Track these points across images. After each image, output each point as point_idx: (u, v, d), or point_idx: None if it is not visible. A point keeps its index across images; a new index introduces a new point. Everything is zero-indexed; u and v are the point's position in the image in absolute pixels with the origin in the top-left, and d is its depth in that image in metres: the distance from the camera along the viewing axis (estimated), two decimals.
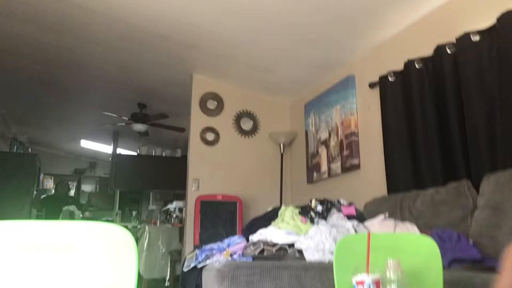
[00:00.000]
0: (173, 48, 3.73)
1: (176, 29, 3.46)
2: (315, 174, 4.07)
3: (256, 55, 3.82)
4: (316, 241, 1.99)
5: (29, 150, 7.20)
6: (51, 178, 8.30)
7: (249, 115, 4.58)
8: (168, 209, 5.98)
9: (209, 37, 3.58)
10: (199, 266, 2.11)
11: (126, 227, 1.05)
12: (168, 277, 4.85)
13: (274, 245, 2.06)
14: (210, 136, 4.38)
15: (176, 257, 4.71)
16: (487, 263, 1.78)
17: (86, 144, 7.81)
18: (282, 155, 4.44)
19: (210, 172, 4.32)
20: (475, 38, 2.42)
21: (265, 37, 3.50)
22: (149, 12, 3.21)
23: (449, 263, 1.72)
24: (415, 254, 1.10)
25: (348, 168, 3.55)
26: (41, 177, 7.39)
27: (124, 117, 5.52)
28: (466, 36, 2.45)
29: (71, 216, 6.28)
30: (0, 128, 6.08)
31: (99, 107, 5.51)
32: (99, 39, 3.76)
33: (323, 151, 3.97)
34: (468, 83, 2.41)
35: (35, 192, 6.24)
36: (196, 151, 4.32)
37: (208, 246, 2.26)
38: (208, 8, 3.11)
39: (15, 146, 6.68)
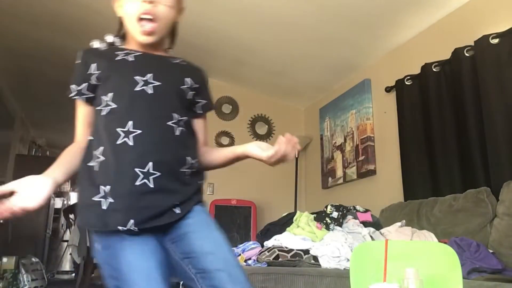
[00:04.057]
0: (188, 52, 3.73)
1: (192, 34, 3.48)
2: (330, 179, 4.04)
3: (271, 59, 3.81)
4: (331, 247, 1.97)
5: (47, 153, 7.32)
6: (67, 181, 8.41)
7: (264, 119, 4.57)
8: None
9: (224, 42, 3.59)
10: None
11: None
12: (182, 282, 4.86)
13: (289, 251, 2.05)
14: (225, 140, 4.39)
15: None
16: (508, 274, 1.73)
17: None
18: (297, 159, 4.42)
19: (224, 176, 4.31)
20: (494, 40, 2.37)
21: (280, 41, 3.49)
22: None
23: (468, 273, 1.68)
24: (434, 263, 1.07)
25: (364, 174, 3.51)
26: None
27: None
28: (484, 39, 2.40)
29: None
30: (19, 132, 6.19)
31: None
32: None
33: (338, 156, 3.94)
34: (486, 86, 2.36)
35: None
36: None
37: None
38: (224, 13, 3.12)
39: (34, 149, 6.79)
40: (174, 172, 0.98)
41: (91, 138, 1.03)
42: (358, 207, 2.50)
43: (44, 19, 3.48)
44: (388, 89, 3.31)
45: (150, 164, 0.94)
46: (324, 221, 2.25)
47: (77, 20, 3.44)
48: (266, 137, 4.53)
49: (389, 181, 3.24)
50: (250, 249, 2.26)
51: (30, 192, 0.93)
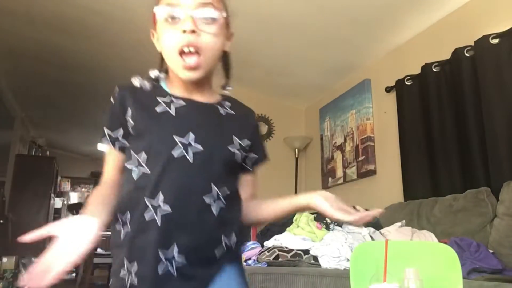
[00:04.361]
0: None
1: None
2: (330, 179, 4.04)
3: (271, 59, 3.81)
4: (331, 248, 1.97)
5: (47, 153, 7.32)
6: (68, 181, 8.41)
7: (264, 119, 4.57)
8: None
9: None
10: None
11: None
12: None
13: (289, 251, 2.05)
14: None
15: None
16: (508, 274, 1.73)
17: (103, 147, 7.89)
18: (297, 159, 4.42)
19: None
20: (494, 41, 2.37)
21: (280, 41, 3.49)
22: None
23: (468, 273, 1.68)
24: (434, 263, 1.07)
25: (364, 174, 3.51)
26: (58, 180, 7.50)
27: None
28: (484, 39, 2.40)
29: None
30: (19, 132, 6.19)
31: None
32: (116, 44, 3.81)
33: (338, 156, 3.94)
34: (487, 87, 2.36)
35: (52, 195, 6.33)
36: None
37: None
38: None
39: (34, 149, 6.80)
40: (203, 256, 0.87)
41: (121, 195, 0.90)
42: (358, 207, 2.50)
43: (44, 19, 3.48)
44: (388, 89, 3.31)
45: (176, 249, 0.83)
46: (324, 221, 2.25)
47: (77, 20, 3.44)
48: (266, 137, 4.53)
49: (389, 181, 3.24)
50: (250, 249, 2.26)
51: (73, 237, 0.75)
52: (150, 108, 0.91)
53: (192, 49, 0.89)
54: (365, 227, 2.22)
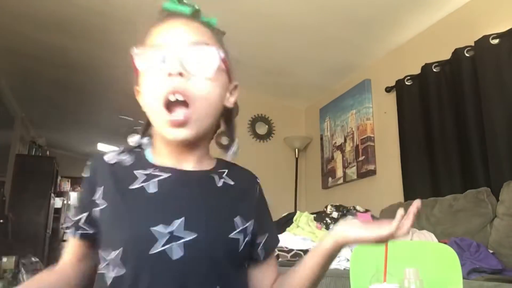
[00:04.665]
0: None
1: None
2: (330, 179, 4.03)
3: (271, 58, 3.81)
4: None
5: (47, 153, 7.32)
6: (68, 181, 8.41)
7: (264, 119, 4.57)
8: None
9: (224, 42, 3.59)
10: None
11: None
12: None
13: (289, 251, 2.05)
14: (225, 140, 4.38)
15: None
16: (508, 274, 1.73)
17: (103, 147, 7.90)
18: (297, 159, 4.41)
19: None
20: (494, 41, 2.37)
21: (280, 41, 3.49)
22: None
23: (468, 273, 1.68)
24: (434, 263, 1.07)
25: (364, 174, 3.51)
26: (58, 180, 7.50)
27: (140, 121, 5.56)
28: (484, 39, 2.40)
29: None
30: (19, 131, 6.19)
31: (116, 111, 5.57)
32: (117, 44, 3.81)
33: (338, 156, 3.94)
34: (487, 87, 2.36)
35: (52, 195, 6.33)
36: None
37: None
38: (224, 13, 3.12)
39: (34, 149, 6.79)
40: None
41: None
42: (358, 207, 2.51)
43: (44, 19, 3.48)
44: (388, 89, 3.31)
45: None
46: (324, 221, 2.25)
47: (77, 20, 3.44)
48: (266, 137, 4.53)
49: (389, 181, 3.24)
50: None
51: None
52: (124, 184, 0.71)
53: (179, 97, 0.68)
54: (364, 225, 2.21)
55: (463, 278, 1.08)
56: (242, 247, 0.71)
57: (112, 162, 0.75)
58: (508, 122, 2.26)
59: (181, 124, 0.69)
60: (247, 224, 0.73)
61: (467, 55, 2.54)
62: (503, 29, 2.35)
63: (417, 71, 2.95)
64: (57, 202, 7.43)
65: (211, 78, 0.72)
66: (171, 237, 0.64)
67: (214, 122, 0.77)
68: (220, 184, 0.76)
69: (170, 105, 0.69)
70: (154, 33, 0.75)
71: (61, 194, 7.94)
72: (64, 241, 7.33)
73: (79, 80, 4.85)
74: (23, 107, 5.89)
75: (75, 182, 8.64)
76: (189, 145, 0.74)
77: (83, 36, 3.70)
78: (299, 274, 0.74)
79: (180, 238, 0.65)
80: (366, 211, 2.49)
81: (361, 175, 3.55)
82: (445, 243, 1.79)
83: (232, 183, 0.78)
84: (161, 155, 0.76)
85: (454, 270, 1.06)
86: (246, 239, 0.72)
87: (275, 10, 3.04)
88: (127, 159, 0.76)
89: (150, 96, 0.72)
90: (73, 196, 8.43)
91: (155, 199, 0.69)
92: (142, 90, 0.74)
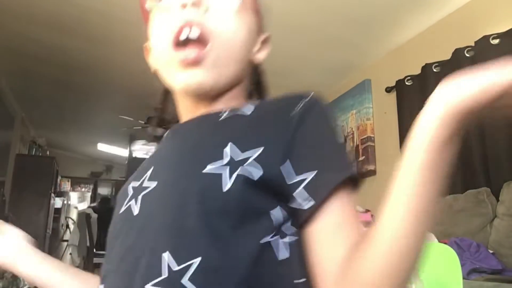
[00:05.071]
0: None
1: None
2: None
3: (270, 59, 3.79)
4: None
5: (47, 153, 7.32)
6: (68, 181, 8.41)
7: None
8: None
9: None
10: None
11: None
12: None
13: None
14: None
15: None
16: (508, 274, 1.73)
17: (103, 147, 7.90)
18: None
19: None
20: (495, 41, 2.37)
21: (278, 41, 3.49)
22: None
23: (468, 273, 1.68)
24: (434, 263, 1.07)
25: (364, 174, 3.51)
26: (58, 180, 7.50)
27: (140, 121, 5.57)
28: (485, 39, 2.40)
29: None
30: (19, 132, 6.19)
31: (116, 111, 5.57)
32: (117, 44, 3.81)
33: None
34: None
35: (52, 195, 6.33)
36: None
37: None
38: None
39: (34, 149, 6.79)
40: None
41: None
42: (358, 207, 2.50)
43: (44, 19, 3.48)
44: (388, 90, 3.31)
45: None
46: None
47: (77, 20, 3.44)
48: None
49: (389, 182, 3.23)
50: None
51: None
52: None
53: (195, 32, 0.51)
54: (365, 227, 2.21)
55: (463, 278, 1.08)
56: (231, 185, 0.43)
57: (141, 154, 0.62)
58: (508, 122, 2.26)
59: (194, 62, 0.51)
60: (247, 152, 0.46)
61: (467, 55, 2.54)
62: (503, 29, 2.35)
63: (417, 71, 2.95)
64: (57, 202, 7.44)
65: (237, 12, 0.55)
66: (136, 191, 0.51)
67: (238, 73, 0.57)
68: (224, 116, 0.53)
69: (181, 44, 0.52)
70: None
71: (61, 194, 7.94)
72: (64, 241, 7.36)
73: (79, 80, 4.84)
74: (23, 107, 5.89)
75: (75, 182, 8.65)
76: (208, 99, 0.56)
77: (83, 36, 3.70)
78: (387, 219, 0.42)
79: (144, 189, 0.50)
80: (366, 211, 2.49)
81: (361, 175, 3.55)
82: (445, 243, 1.79)
83: (248, 112, 0.52)
84: (182, 114, 0.60)
85: (454, 270, 1.06)
86: (245, 174, 0.44)
87: (274, 10, 3.03)
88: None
89: (158, 36, 0.55)
90: (73, 196, 8.43)
91: (147, 161, 0.57)
92: (151, 37, 0.57)
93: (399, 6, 2.82)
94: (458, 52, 2.59)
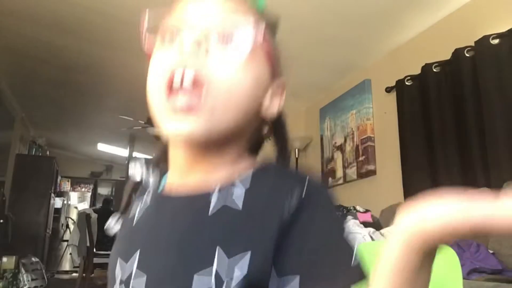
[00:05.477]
0: None
1: None
2: (330, 179, 4.03)
3: None
4: None
5: (47, 153, 7.32)
6: (68, 181, 8.42)
7: None
8: None
9: None
10: None
11: None
12: None
13: None
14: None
15: None
16: (508, 274, 1.73)
17: (103, 147, 7.91)
18: (297, 160, 4.41)
19: None
20: (494, 41, 2.37)
21: (279, 41, 3.49)
22: None
23: (468, 273, 1.68)
24: (434, 263, 1.07)
25: (364, 174, 3.51)
26: (58, 180, 7.50)
27: (140, 121, 5.57)
28: (485, 39, 2.40)
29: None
30: (19, 131, 6.19)
31: (116, 111, 5.57)
32: (117, 44, 3.81)
33: (338, 156, 3.94)
34: (487, 87, 2.36)
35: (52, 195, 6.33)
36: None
37: None
38: None
39: (34, 149, 6.80)
40: None
41: None
42: (358, 207, 2.50)
43: (44, 19, 3.48)
44: (388, 90, 3.31)
45: None
46: None
47: (77, 20, 3.44)
48: (266, 137, 4.53)
49: (389, 182, 3.23)
50: None
51: None
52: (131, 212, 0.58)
53: (187, 79, 0.47)
54: (365, 227, 2.21)
55: (463, 278, 1.07)
56: None
57: (138, 177, 0.61)
58: (508, 122, 2.26)
59: (186, 109, 0.48)
60: (235, 257, 0.44)
61: (467, 55, 2.54)
62: (503, 29, 2.35)
63: (417, 71, 2.95)
64: (57, 202, 7.44)
65: (244, 63, 0.50)
66: (127, 280, 0.49)
67: (240, 125, 0.52)
68: (213, 209, 0.49)
69: (176, 89, 0.48)
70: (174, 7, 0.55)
71: (61, 194, 7.95)
72: (64, 241, 7.36)
73: (79, 80, 4.85)
74: (23, 107, 5.89)
75: (75, 182, 8.65)
76: (200, 154, 0.51)
77: (83, 36, 3.70)
78: None
79: (133, 278, 0.48)
80: (366, 211, 2.49)
81: (361, 175, 3.55)
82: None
83: (239, 204, 0.48)
84: (171, 169, 0.57)
85: (454, 270, 1.06)
86: (233, 283, 0.43)
87: (274, 10, 3.04)
88: (153, 177, 0.60)
89: (151, 76, 0.51)
90: (73, 196, 8.44)
91: (134, 230, 0.55)
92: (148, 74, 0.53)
93: (399, 6, 2.82)
94: (458, 52, 2.59)
